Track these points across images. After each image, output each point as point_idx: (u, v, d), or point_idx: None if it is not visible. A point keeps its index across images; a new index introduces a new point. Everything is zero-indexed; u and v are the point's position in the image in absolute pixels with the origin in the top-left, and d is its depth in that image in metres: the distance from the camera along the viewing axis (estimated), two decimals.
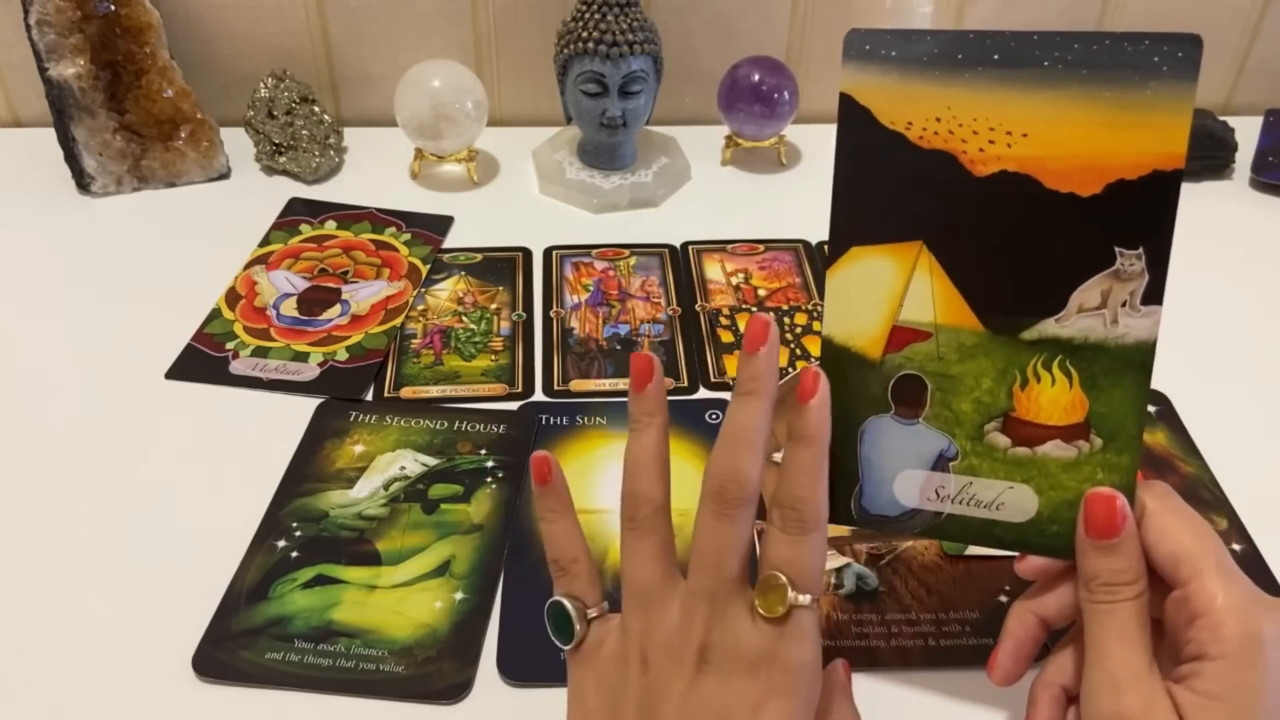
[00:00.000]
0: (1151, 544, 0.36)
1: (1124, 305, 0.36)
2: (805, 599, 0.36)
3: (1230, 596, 0.34)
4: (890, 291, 0.39)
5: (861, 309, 0.39)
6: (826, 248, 0.38)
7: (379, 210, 0.77)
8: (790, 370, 0.61)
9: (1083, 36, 0.35)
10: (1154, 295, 0.36)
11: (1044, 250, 0.37)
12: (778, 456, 0.39)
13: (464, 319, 0.67)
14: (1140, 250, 0.36)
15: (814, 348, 0.64)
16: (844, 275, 0.39)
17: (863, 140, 0.37)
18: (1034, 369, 0.38)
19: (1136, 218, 0.35)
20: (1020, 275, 0.37)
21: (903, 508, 0.40)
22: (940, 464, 0.40)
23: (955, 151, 0.37)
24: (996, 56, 0.35)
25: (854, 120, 0.37)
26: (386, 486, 0.54)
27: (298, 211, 0.77)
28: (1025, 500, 0.39)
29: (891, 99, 0.37)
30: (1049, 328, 0.37)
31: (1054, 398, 0.38)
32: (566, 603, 0.39)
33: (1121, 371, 0.37)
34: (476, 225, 0.76)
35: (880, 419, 0.40)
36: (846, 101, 0.37)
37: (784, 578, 0.36)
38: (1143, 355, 0.37)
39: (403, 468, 0.55)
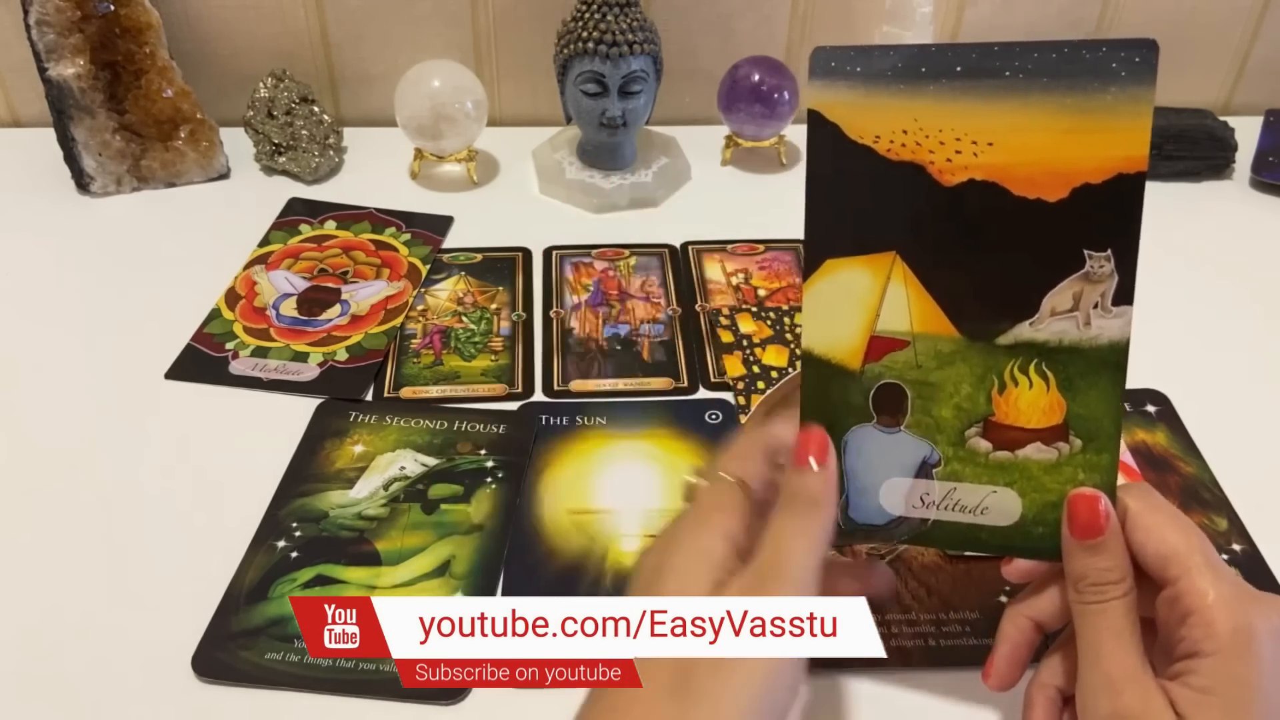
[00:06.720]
0: (1138, 544, 0.36)
1: (1096, 307, 0.37)
2: None
3: (1220, 592, 0.34)
4: (866, 302, 0.39)
5: (839, 321, 0.39)
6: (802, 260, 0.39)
7: (379, 210, 0.77)
8: (790, 370, 0.61)
9: (1042, 46, 0.35)
10: (1124, 296, 0.36)
11: (1015, 256, 0.37)
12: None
13: (464, 319, 0.67)
14: (1108, 252, 0.36)
15: None
16: (820, 288, 0.39)
17: (833, 154, 0.38)
18: (1011, 373, 0.38)
19: (1103, 220, 0.36)
20: (993, 281, 0.38)
21: (889, 516, 0.41)
22: (924, 471, 0.40)
23: (923, 162, 0.37)
24: (959, 68, 0.36)
25: (823, 135, 0.38)
26: (386, 487, 0.54)
27: (297, 211, 0.77)
28: (1009, 504, 0.39)
29: (859, 113, 0.37)
30: (1024, 332, 0.38)
31: (1032, 401, 0.38)
32: None
33: (1097, 372, 0.37)
34: (476, 225, 0.76)
35: (863, 429, 0.40)
36: (815, 117, 0.38)
37: None
38: (1117, 355, 0.37)
39: (402, 468, 0.55)
